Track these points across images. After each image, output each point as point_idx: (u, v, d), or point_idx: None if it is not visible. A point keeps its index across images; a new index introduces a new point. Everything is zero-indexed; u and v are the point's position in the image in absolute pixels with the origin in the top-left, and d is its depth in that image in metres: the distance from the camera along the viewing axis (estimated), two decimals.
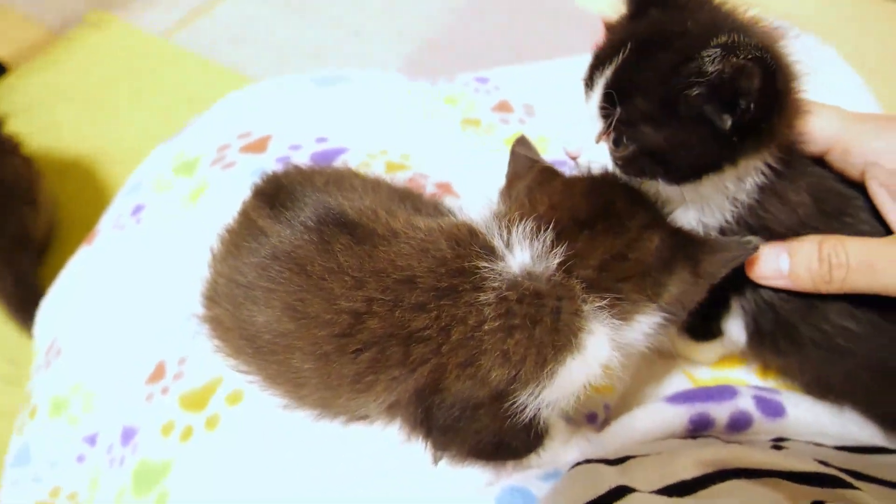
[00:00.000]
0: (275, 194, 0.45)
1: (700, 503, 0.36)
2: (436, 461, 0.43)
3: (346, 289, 0.39)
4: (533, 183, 0.43)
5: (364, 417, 0.44)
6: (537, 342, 0.37)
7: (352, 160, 0.64)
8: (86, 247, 0.70)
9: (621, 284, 0.39)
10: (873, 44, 1.27)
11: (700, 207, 0.44)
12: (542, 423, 0.41)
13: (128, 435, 0.53)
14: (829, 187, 0.45)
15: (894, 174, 0.43)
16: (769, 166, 0.42)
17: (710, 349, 0.53)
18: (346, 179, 0.47)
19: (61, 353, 0.63)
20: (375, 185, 0.48)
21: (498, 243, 0.39)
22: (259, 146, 0.66)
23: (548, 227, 0.38)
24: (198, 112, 1.12)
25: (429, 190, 0.61)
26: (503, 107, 0.73)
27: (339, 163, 0.64)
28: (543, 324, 0.37)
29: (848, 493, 0.38)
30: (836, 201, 0.44)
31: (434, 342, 0.37)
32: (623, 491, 0.37)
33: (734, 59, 0.35)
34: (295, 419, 0.46)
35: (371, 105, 0.72)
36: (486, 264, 0.38)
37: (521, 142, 0.48)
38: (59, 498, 0.60)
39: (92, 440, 0.60)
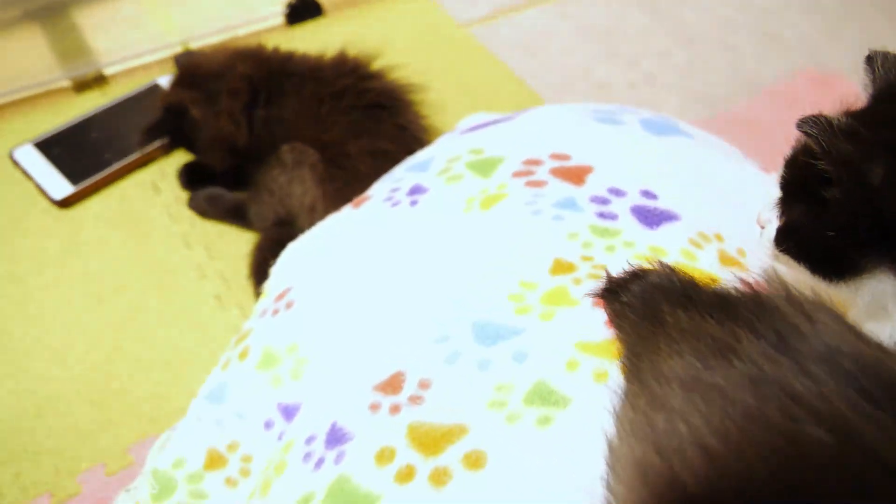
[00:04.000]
0: (740, 310, 0.34)
1: None
2: None
3: None
4: None
5: None
6: None
7: (679, 234, 0.53)
8: (351, 208, 0.65)
9: None
10: None
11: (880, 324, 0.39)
12: None
13: (336, 437, 0.46)
14: None
15: None
16: None
17: None
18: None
19: (291, 307, 0.58)
20: None
21: None
22: (575, 175, 0.58)
23: None
24: (474, 105, 1.08)
25: None
26: None
27: (663, 231, 0.53)
28: None
29: None
30: None
31: None
32: None
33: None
34: None
35: (711, 173, 0.61)
36: None
37: None
38: (234, 454, 0.55)
39: (286, 411, 0.55)
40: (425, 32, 1.18)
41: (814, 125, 0.37)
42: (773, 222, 0.44)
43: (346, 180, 0.78)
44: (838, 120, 0.37)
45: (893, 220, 0.37)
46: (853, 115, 0.40)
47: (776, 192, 0.44)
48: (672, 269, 0.41)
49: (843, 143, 0.36)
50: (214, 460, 0.55)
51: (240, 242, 0.87)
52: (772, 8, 1.34)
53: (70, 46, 1.09)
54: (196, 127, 0.87)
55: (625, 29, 1.27)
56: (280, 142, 0.84)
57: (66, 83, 1.06)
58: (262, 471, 0.52)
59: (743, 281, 0.39)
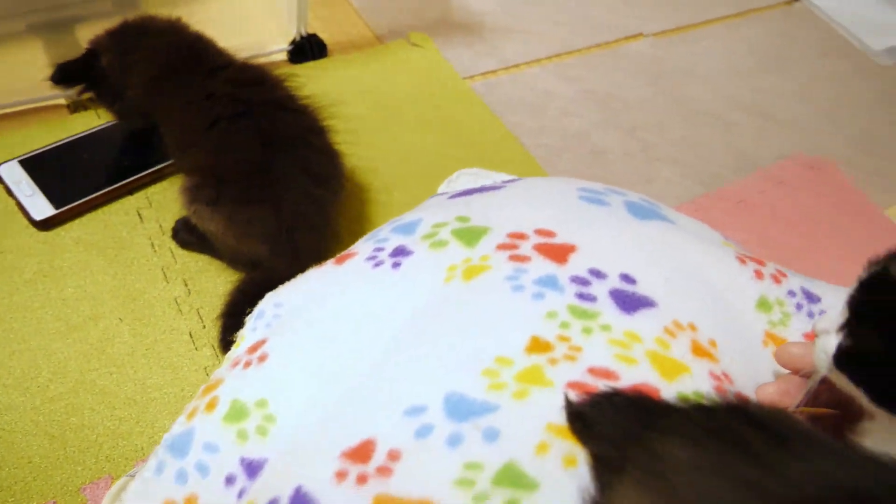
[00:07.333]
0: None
1: None
2: None
3: None
4: None
5: None
6: None
7: (655, 321, 0.53)
8: (333, 264, 0.65)
9: None
10: None
11: None
12: None
13: (300, 503, 0.45)
14: None
15: None
16: None
17: None
18: None
19: (264, 361, 0.58)
20: None
21: None
22: (559, 254, 0.58)
23: None
24: (468, 158, 1.09)
25: None
26: None
27: (639, 317, 0.53)
28: None
29: None
30: None
31: None
32: None
33: None
34: None
35: (688, 262, 0.61)
36: None
37: None
38: None
39: (250, 468, 0.54)
40: (426, 81, 1.20)
41: None
42: (832, 336, 0.42)
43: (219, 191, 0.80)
44: None
45: None
46: None
47: (839, 308, 0.42)
48: (640, 392, 0.41)
49: None
50: None
51: (219, 280, 0.87)
52: (773, 91, 1.38)
53: None
54: (103, 76, 0.89)
55: (626, 97, 1.30)
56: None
57: (62, 101, 1.06)
58: None
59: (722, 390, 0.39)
